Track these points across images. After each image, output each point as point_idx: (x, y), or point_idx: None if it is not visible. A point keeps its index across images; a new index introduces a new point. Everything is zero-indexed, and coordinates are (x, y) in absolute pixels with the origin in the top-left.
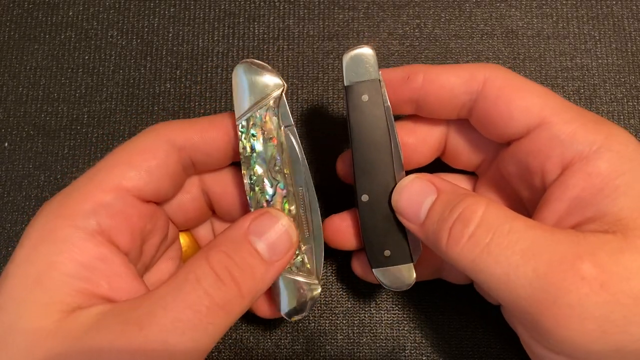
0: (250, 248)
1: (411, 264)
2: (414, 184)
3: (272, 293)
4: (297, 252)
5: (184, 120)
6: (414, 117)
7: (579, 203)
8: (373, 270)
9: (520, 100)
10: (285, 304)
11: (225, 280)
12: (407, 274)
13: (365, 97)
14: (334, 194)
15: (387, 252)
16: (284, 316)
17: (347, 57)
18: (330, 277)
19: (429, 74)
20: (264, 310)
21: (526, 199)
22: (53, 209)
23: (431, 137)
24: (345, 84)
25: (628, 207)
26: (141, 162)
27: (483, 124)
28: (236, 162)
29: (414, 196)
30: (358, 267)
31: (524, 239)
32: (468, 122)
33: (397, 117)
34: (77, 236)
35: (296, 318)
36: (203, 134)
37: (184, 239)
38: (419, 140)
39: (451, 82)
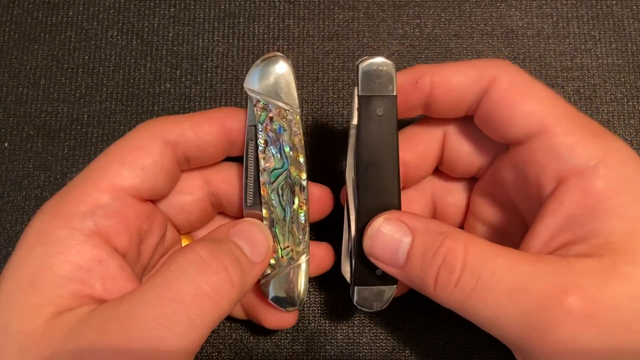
0: (235, 244)
1: (394, 286)
2: (386, 227)
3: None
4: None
5: (176, 116)
6: (410, 133)
7: (572, 221)
8: (355, 287)
9: (524, 105)
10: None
11: (212, 264)
12: (387, 295)
13: (380, 111)
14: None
15: (379, 271)
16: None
17: (365, 66)
18: (330, 277)
19: (436, 76)
20: (270, 321)
21: (521, 207)
22: (50, 211)
23: (430, 150)
24: (359, 94)
25: (619, 230)
26: (135, 160)
27: (486, 123)
28: (230, 158)
29: (388, 241)
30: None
31: (509, 278)
32: (464, 128)
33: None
34: (73, 238)
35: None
36: (196, 129)
37: (185, 243)
38: (418, 156)
39: (460, 83)
